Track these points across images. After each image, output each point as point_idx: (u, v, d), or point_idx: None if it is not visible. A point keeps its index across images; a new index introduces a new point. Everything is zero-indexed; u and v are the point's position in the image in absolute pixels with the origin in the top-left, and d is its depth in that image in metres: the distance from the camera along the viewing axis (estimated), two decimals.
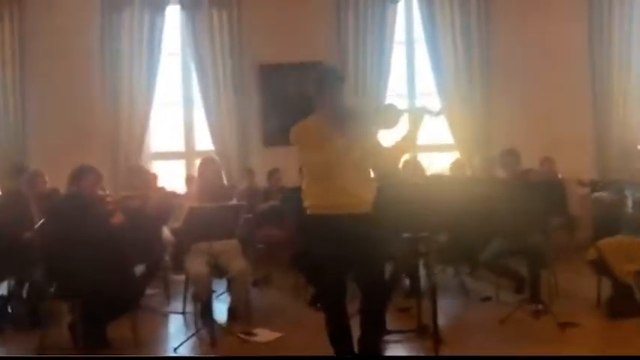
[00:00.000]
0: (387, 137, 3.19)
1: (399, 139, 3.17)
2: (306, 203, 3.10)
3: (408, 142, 3.16)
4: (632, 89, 6.51)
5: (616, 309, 4.20)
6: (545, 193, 4.37)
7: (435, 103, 6.77)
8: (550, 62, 6.56)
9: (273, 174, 6.24)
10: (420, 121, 3.17)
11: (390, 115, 3.09)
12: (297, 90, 6.89)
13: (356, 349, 3.12)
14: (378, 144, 3.13)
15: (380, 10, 6.78)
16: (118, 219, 3.96)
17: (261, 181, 6.44)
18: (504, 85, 6.63)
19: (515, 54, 6.62)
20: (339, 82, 3.08)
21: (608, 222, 4.54)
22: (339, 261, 3.02)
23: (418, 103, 6.99)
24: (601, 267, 4.29)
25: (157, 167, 7.11)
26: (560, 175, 5.27)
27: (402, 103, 6.96)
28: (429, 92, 6.95)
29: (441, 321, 4.40)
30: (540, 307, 4.28)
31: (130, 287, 3.95)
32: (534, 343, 3.76)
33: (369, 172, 3.16)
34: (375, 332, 3.14)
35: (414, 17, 6.98)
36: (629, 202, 4.29)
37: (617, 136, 6.53)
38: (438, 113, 3.13)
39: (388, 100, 6.87)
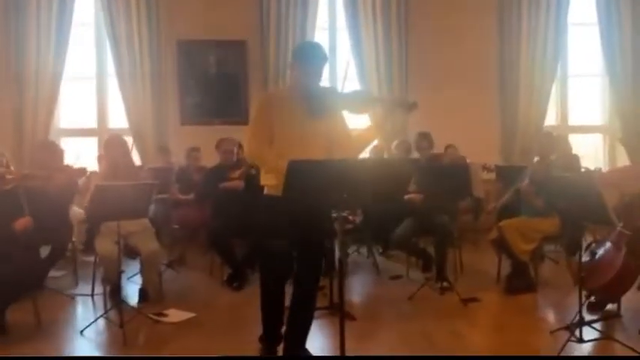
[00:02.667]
0: (352, 122, 3.22)
1: (364, 127, 3.21)
2: (266, 183, 3.01)
3: (374, 132, 3.20)
4: (536, 81, 6.92)
5: (513, 285, 4.51)
6: (452, 175, 4.59)
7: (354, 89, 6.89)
8: (463, 56, 6.84)
9: (191, 152, 6.12)
10: (391, 113, 3.22)
11: (355, 101, 3.08)
12: (216, 68, 6.76)
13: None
14: (347, 128, 3.16)
15: None
16: (21, 224, 3.76)
17: (178, 160, 6.29)
18: (421, 72, 6.85)
19: (431, 43, 6.86)
20: (322, 61, 3.03)
21: (510, 205, 4.83)
22: (292, 238, 3.01)
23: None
24: (501, 246, 4.59)
25: (66, 144, 6.77)
26: (468, 160, 5.54)
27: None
28: (349, 78, 7.03)
29: (354, 298, 4.60)
30: (445, 284, 4.52)
31: (31, 269, 3.76)
32: (439, 317, 3.96)
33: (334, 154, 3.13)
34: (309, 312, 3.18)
35: (337, 4, 7.03)
36: (526, 181, 4.58)
37: (521, 126, 6.93)
38: (412, 105, 3.11)
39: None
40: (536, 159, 4.84)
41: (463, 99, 6.80)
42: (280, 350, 3.19)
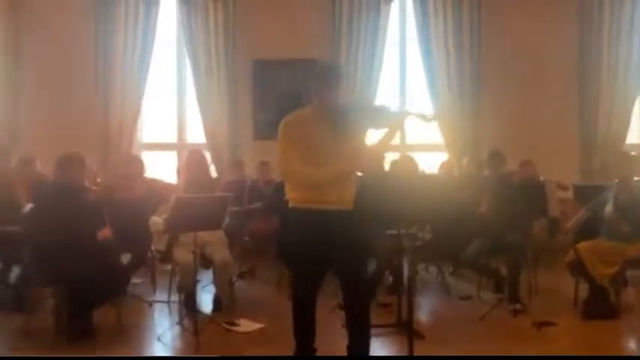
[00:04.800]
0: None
1: (376, 140, 3.22)
2: (290, 195, 3.14)
3: (385, 144, 3.22)
4: (618, 96, 6.59)
5: (591, 310, 4.30)
6: (526, 194, 4.47)
7: (426, 104, 6.87)
8: (539, 66, 6.64)
9: (262, 166, 6.30)
10: (402, 124, 3.24)
11: (381, 117, 3.12)
12: (289, 86, 6.94)
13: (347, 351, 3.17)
14: (364, 144, 3.19)
15: (374, 9, 6.83)
16: (104, 234, 4.02)
17: (251, 174, 6.49)
18: (494, 87, 6.71)
19: (506, 57, 6.69)
20: (338, 80, 3.09)
21: (588, 226, 4.63)
22: (318, 256, 3.07)
23: (411, 106, 7.09)
24: (579, 269, 4.39)
25: (147, 158, 7.15)
26: (541, 178, 5.36)
27: (393, 104, 7.06)
28: (420, 92, 7.03)
29: (422, 317, 4.55)
30: (518, 306, 4.38)
31: (115, 275, 4.01)
32: (511, 340, 3.85)
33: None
34: (363, 331, 3.17)
35: (408, 18, 7.05)
36: (609, 207, 4.37)
37: (601, 141, 6.63)
38: (431, 119, 3.14)
39: (379, 100, 6.95)
40: (615, 180, 4.61)
41: (539, 111, 6.58)
42: None
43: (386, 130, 3.18)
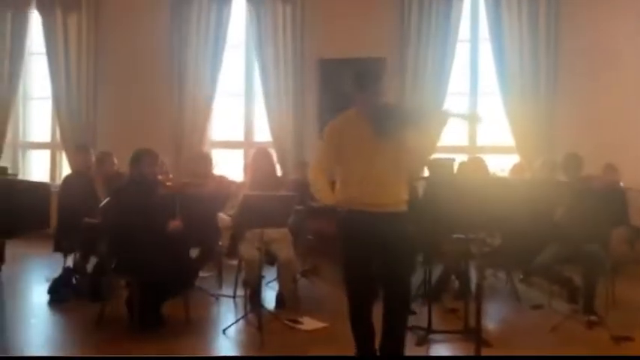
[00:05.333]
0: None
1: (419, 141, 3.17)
2: (340, 197, 3.12)
3: (429, 145, 3.17)
4: None
5: None
6: (606, 200, 4.23)
7: (497, 104, 6.66)
8: (618, 66, 6.29)
9: None
10: (443, 125, 3.17)
11: (421, 117, 3.11)
12: None
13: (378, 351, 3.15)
14: (409, 144, 3.14)
15: (445, 7, 6.70)
16: (175, 225, 4.13)
17: None
18: (570, 88, 6.41)
19: (583, 56, 6.39)
20: (377, 83, 3.10)
21: None
22: (371, 259, 3.06)
23: (478, 104, 6.90)
24: None
25: (216, 155, 7.33)
26: (622, 184, 5.05)
27: (461, 104, 6.89)
28: (491, 92, 6.82)
29: (489, 325, 4.40)
30: (594, 318, 4.15)
31: (184, 269, 4.12)
32: (585, 353, 3.65)
33: (405, 171, 3.16)
34: (398, 334, 3.14)
35: (480, 15, 6.85)
36: None
37: None
38: (476, 118, 3.07)
39: (449, 99, 6.80)
40: None
41: (620, 112, 6.23)
42: None
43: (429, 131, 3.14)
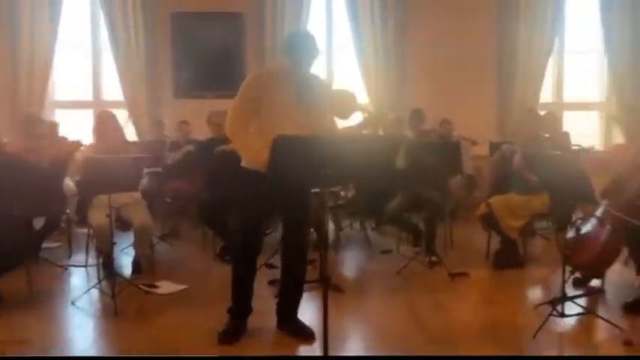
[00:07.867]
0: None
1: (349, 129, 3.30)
2: (250, 155, 3.04)
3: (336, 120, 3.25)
4: (533, 56, 6.87)
5: (500, 261, 4.57)
6: (441, 152, 4.60)
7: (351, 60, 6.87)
8: (460, 26, 6.76)
9: (181, 126, 6.12)
10: (380, 125, 3.25)
11: (347, 104, 3.17)
12: (211, 41, 6.71)
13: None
14: (334, 124, 3.23)
15: None
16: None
17: (171, 133, 6.29)
18: (418, 54, 6.81)
19: (430, 14, 6.78)
20: (315, 53, 3.12)
21: (501, 181, 4.86)
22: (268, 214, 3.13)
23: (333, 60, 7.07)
24: (490, 222, 4.62)
25: (61, 116, 6.78)
26: (455, 134, 5.55)
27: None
28: (345, 47, 7.02)
29: (345, 272, 4.67)
30: (434, 258, 4.58)
31: (24, 240, 3.82)
32: (426, 291, 4.02)
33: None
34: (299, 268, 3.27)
35: None
36: (518, 157, 4.58)
37: (517, 100, 6.92)
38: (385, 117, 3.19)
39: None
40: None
41: (460, 74, 6.75)
42: (248, 322, 3.24)
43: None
